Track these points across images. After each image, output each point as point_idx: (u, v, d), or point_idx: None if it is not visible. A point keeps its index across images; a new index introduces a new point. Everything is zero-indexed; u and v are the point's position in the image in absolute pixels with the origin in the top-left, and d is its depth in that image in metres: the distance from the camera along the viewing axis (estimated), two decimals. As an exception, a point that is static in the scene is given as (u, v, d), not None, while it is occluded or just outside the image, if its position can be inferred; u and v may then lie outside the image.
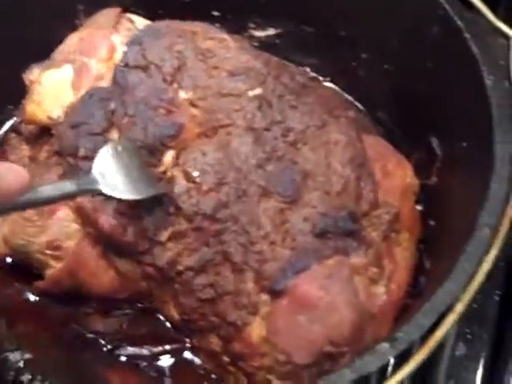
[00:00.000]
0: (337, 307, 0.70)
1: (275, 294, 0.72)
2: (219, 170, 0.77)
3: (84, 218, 0.80)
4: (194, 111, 0.81)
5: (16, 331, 0.86)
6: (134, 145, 0.78)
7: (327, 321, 0.70)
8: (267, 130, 0.79)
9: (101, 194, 0.71)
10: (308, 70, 1.06)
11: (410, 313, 0.69)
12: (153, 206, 0.77)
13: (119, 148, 0.75)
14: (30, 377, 0.83)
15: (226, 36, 0.87)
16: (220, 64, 0.84)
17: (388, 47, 0.92)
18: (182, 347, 0.84)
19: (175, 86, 0.83)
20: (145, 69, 0.84)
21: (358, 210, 0.78)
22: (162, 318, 0.85)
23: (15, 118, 1.00)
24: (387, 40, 0.91)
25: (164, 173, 0.79)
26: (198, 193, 0.76)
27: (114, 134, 0.82)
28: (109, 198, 0.73)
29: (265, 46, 1.04)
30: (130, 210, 0.76)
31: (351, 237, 0.76)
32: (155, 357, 0.84)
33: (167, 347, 0.85)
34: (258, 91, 0.82)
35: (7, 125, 1.04)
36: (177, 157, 0.79)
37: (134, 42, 0.87)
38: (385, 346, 0.58)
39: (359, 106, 1.03)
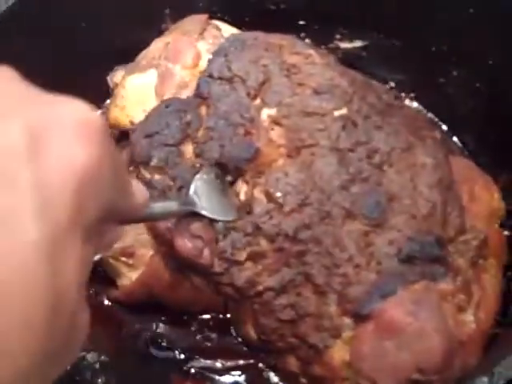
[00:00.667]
0: (426, 334, 0.68)
1: (360, 318, 0.71)
2: (302, 191, 0.76)
3: (157, 237, 0.80)
4: (277, 130, 0.80)
5: (92, 332, 0.86)
6: (217, 170, 0.79)
7: (416, 347, 0.68)
8: (352, 150, 0.78)
9: (194, 214, 0.75)
10: (392, 84, 1.03)
11: (501, 343, 0.67)
12: (229, 227, 0.77)
13: (211, 174, 0.78)
14: (104, 380, 0.83)
15: (312, 51, 0.86)
16: (305, 81, 0.83)
17: (484, 65, 0.89)
18: (256, 363, 0.84)
19: (258, 101, 0.82)
20: (229, 81, 0.84)
21: (445, 235, 0.76)
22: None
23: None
24: (484, 57, 0.88)
25: (238, 195, 0.79)
26: (280, 213, 0.75)
27: (188, 147, 0.82)
28: (185, 218, 0.76)
29: (350, 58, 1.03)
30: (205, 232, 0.76)
31: (438, 262, 0.73)
32: (228, 371, 0.84)
33: (241, 362, 0.84)
34: (343, 111, 0.80)
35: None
36: (257, 177, 0.78)
37: (220, 52, 0.87)
38: (483, 380, 0.56)
39: (443, 126, 1.00)
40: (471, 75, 0.93)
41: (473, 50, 0.90)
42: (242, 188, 0.79)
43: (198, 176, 0.77)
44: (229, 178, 0.80)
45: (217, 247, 0.76)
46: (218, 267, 0.76)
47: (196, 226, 0.76)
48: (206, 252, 0.76)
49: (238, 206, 0.78)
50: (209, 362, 0.85)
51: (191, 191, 0.75)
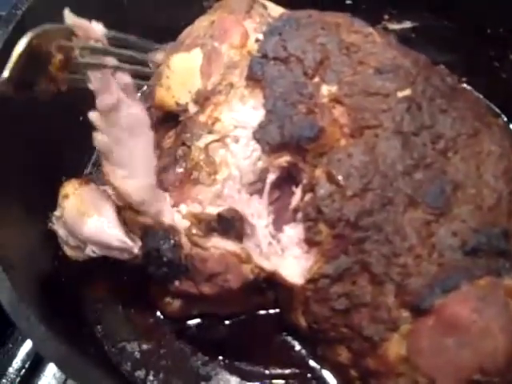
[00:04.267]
0: (491, 333, 0.65)
1: (419, 312, 0.68)
2: (365, 175, 0.72)
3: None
4: (339, 109, 0.76)
5: (135, 322, 0.84)
6: None
7: (479, 347, 0.65)
8: (416, 134, 0.74)
9: None
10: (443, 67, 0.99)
11: None
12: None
13: None
14: (144, 371, 0.81)
15: (371, 30, 0.82)
16: (365, 59, 0.79)
17: None
18: (304, 374, 0.81)
19: (317, 80, 0.78)
20: (284, 61, 0.80)
21: (511, 228, 0.72)
22: (289, 339, 0.82)
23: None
24: None
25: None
26: (342, 197, 0.72)
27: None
28: None
29: (398, 40, 0.97)
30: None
31: (503, 256, 0.70)
32: (272, 378, 0.81)
33: (286, 371, 0.81)
34: (407, 92, 0.76)
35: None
36: (319, 157, 0.74)
37: (273, 31, 0.82)
38: None
39: (498, 110, 0.96)
40: None
41: None
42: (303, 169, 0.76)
43: None
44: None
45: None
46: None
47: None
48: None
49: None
50: (253, 365, 0.82)
51: None
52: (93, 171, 0.99)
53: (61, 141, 0.90)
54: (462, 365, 0.65)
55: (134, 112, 0.74)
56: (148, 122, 0.76)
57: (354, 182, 0.72)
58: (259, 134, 0.77)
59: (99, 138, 0.72)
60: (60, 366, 0.65)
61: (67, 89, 0.72)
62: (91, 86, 0.70)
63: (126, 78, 0.74)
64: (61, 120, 0.89)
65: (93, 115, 0.72)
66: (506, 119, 0.97)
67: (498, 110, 0.97)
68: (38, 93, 0.69)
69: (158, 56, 0.93)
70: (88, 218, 0.76)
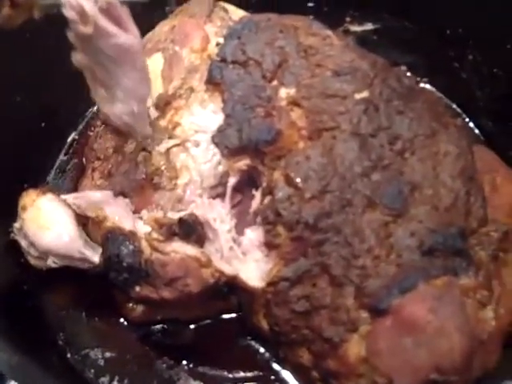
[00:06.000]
0: (447, 332, 0.65)
1: (377, 313, 0.68)
2: (323, 177, 0.73)
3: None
4: (297, 111, 0.76)
5: (98, 329, 0.84)
6: None
7: (436, 346, 0.65)
8: (373, 136, 0.75)
9: None
10: (404, 68, 1.00)
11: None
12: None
13: None
14: (108, 378, 0.80)
15: (329, 32, 0.83)
16: (323, 62, 0.80)
17: (502, 50, 0.86)
18: (267, 376, 0.80)
19: (275, 83, 0.78)
20: (243, 65, 0.80)
21: (467, 227, 0.73)
22: (252, 343, 0.82)
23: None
24: (502, 42, 0.85)
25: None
26: (301, 200, 0.72)
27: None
28: None
29: (360, 41, 0.99)
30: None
31: (460, 256, 0.70)
32: (235, 381, 0.80)
33: (250, 374, 0.81)
34: (364, 94, 0.77)
35: (91, 111, 1.03)
36: (277, 160, 0.74)
37: (232, 35, 0.83)
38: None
39: (458, 110, 0.97)
40: (488, 61, 0.90)
41: (489, 33, 0.87)
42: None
43: None
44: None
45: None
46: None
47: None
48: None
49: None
50: (217, 370, 0.81)
51: None
52: (57, 177, 0.98)
53: (24, 145, 0.89)
54: (418, 365, 0.65)
55: (120, 42, 0.67)
56: (139, 50, 0.70)
57: (313, 184, 0.72)
58: (218, 138, 0.77)
59: (78, 58, 0.67)
60: (14, 377, 0.64)
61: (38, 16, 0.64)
62: (65, 13, 0.61)
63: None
64: (24, 125, 0.89)
65: (70, 34, 0.65)
66: (466, 119, 0.98)
67: (458, 110, 0.98)
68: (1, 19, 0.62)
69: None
70: (47, 231, 0.76)
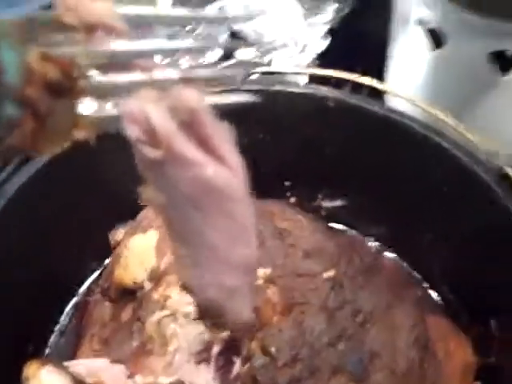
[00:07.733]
0: None
1: None
2: (293, 346, 0.83)
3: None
4: (272, 289, 0.88)
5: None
6: None
7: None
8: (339, 309, 0.86)
9: None
10: (372, 239, 1.12)
11: None
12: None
13: None
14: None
15: (300, 217, 0.97)
16: (296, 242, 0.93)
17: (457, 232, 0.97)
18: None
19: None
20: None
21: (423, 390, 0.83)
22: None
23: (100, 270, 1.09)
24: (456, 226, 0.96)
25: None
26: (275, 367, 0.82)
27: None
28: None
29: (331, 215, 1.13)
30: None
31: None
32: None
33: None
34: (331, 273, 0.90)
35: (92, 277, 1.11)
36: (256, 331, 0.85)
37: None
38: None
39: (419, 277, 1.08)
40: (445, 241, 1.01)
41: (447, 218, 0.98)
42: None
43: None
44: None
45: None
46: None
47: None
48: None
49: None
50: None
51: None
52: (57, 341, 1.06)
53: (23, 312, 0.94)
54: None
55: (205, 176, 0.46)
56: (239, 191, 0.51)
57: (285, 353, 0.83)
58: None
59: (149, 195, 0.49)
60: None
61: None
62: (125, 129, 0.42)
63: (195, 100, 0.43)
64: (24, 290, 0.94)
65: (137, 158, 0.46)
66: (428, 285, 1.09)
67: (419, 277, 1.09)
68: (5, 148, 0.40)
69: (119, 235, 1.06)
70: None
